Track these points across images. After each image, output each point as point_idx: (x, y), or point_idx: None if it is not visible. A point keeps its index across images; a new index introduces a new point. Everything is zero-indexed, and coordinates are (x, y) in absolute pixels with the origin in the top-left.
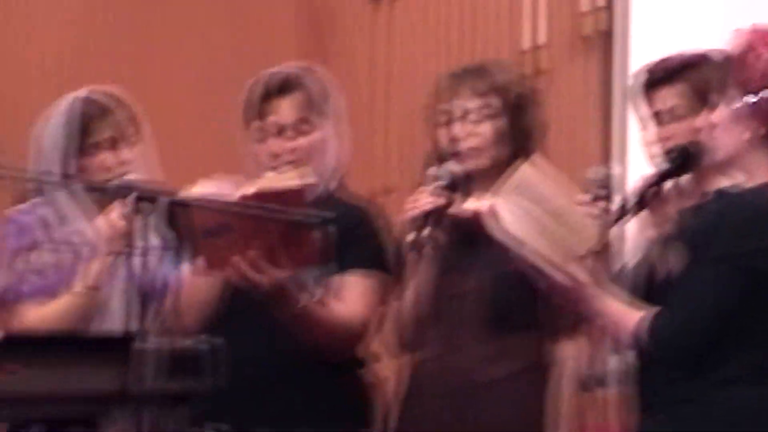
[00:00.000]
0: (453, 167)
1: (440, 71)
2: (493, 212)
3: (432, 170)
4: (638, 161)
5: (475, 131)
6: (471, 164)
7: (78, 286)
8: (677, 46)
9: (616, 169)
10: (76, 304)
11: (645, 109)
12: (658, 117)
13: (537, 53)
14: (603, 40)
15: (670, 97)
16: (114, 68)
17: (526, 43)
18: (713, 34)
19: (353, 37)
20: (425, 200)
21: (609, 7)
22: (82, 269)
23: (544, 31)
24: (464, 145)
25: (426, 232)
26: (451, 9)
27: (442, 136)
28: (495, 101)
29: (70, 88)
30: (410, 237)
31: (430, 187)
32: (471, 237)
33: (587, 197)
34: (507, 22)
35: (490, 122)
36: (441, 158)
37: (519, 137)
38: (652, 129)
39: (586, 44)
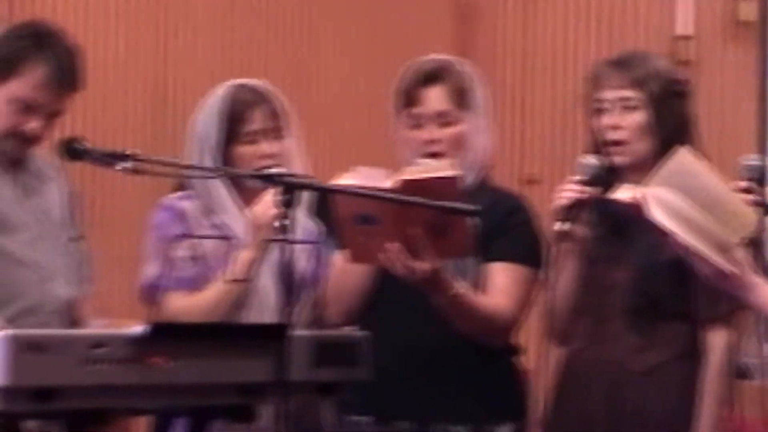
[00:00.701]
0: (594, 160)
1: (592, 59)
2: (650, 200)
3: (584, 159)
4: None
5: (620, 124)
6: (615, 157)
7: (228, 277)
8: None
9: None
10: (225, 295)
11: None
12: None
13: (689, 41)
14: (758, 27)
15: None
16: (272, 60)
17: (679, 31)
18: None
19: (505, 27)
20: (567, 192)
21: None
22: (232, 259)
23: (696, 19)
24: (609, 137)
25: (567, 225)
26: None
27: (598, 125)
28: (638, 94)
29: (227, 79)
30: (556, 227)
31: (580, 178)
32: (620, 227)
33: (745, 184)
34: (659, 10)
35: (633, 115)
36: (596, 147)
37: (665, 130)
38: None
39: (741, 32)
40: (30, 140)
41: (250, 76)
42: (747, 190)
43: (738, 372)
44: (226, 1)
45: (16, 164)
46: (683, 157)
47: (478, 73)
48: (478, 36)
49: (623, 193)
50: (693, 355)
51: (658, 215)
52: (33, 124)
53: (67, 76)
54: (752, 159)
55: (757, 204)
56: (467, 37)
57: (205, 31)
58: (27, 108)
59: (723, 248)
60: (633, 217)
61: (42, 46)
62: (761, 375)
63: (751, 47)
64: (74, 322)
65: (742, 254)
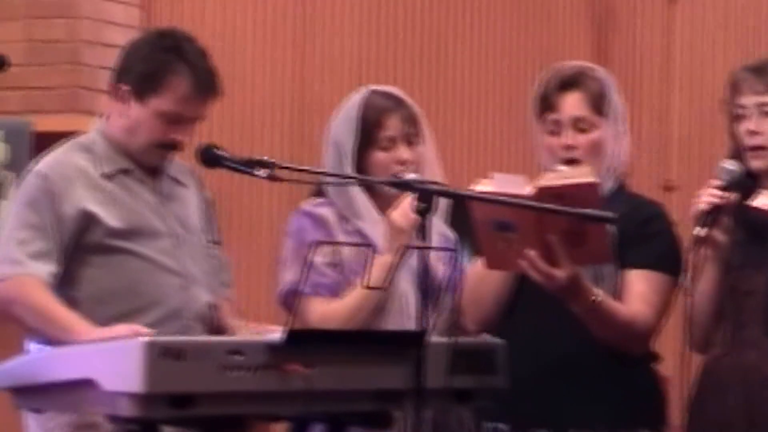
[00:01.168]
0: (733, 166)
1: (730, 68)
2: None
3: (726, 164)
4: None
5: (759, 129)
6: (754, 162)
7: (366, 283)
8: None
9: None
10: (365, 301)
11: None
12: None
13: None
14: None
15: None
16: (410, 66)
17: None
18: None
19: (643, 33)
20: (706, 198)
21: None
22: (370, 266)
23: None
24: (749, 143)
25: (706, 230)
26: (744, 3)
27: (741, 130)
28: None
29: (365, 85)
30: (697, 232)
31: (722, 183)
32: (759, 233)
33: None
34: None
35: None
36: (738, 153)
37: None
38: None
39: None
40: (175, 149)
41: (388, 83)
42: None
43: None
44: (366, 9)
45: (156, 171)
46: None
47: (615, 79)
48: (617, 42)
49: (763, 201)
50: None
51: None
52: (179, 135)
53: (207, 84)
54: None
55: None
56: (605, 43)
57: (344, 38)
58: (174, 121)
59: None
60: None
61: (182, 58)
62: None
63: None
64: (216, 328)
65: None
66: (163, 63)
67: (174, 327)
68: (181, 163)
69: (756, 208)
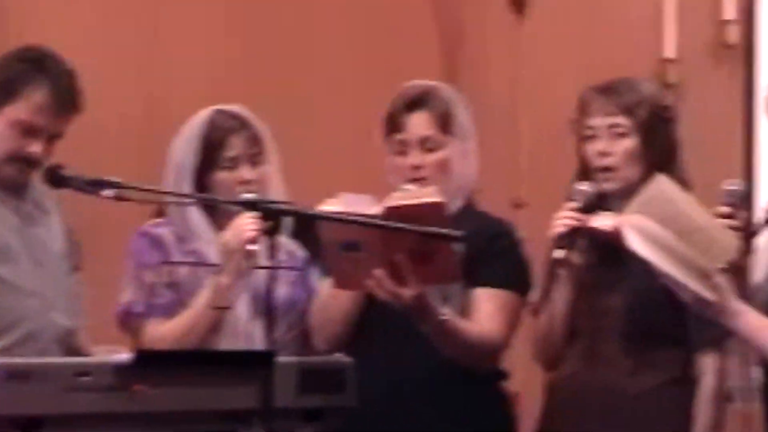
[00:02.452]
0: (587, 187)
1: (579, 84)
2: (627, 228)
3: (578, 185)
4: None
5: (609, 150)
6: (605, 183)
7: (201, 303)
8: None
9: (756, 184)
10: (199, 321)
11: None
12: None
13: (675, 64)
14: (744, 50)
15: None
16: (258, 86)
17: (666, 54)
18: None
19: (491, 52)
20: (563, 220)
21: (750, 16)
22: (208, 286)
23: (682, 42)
24: (599, 164)
25: (561, 252)
26: (592, 18)
27: (589, 151)
28: (627, 121)
29: (216, 103)
30: (555, 254)
31: (577, 204)
32: (614, 253)
33: (726, 209)
34: (646, 33)
35: (622, 141)
36: (587, 174)
37: (654, 155)
38: None
39: (726, 55)
40: (31, 164)
41: (239, 102)
42: (729, 216)
43: (735, 395)
44: (217, 26)
45: (18, 192)
46: (661, 184)
47: (463, 97)
48: (465, 61)
49: (602, 221)
50: (686, 380)
51: (635, 243)
52: (34, 148)
53: (66, 98)
54: (734, 184)
55: (739, 229)
56: (454, 62)
57: (194, 56)
58: (28, 131)
59: (703, 275)
60: (620, 245)
61: (41, 69)
62: (745, 399)
63: (737, 70)
64: (74, 351)
65: (723, 281)
66: (21, 72)
67: (32, 349)
68: (45, 188)
69: (591, 229)
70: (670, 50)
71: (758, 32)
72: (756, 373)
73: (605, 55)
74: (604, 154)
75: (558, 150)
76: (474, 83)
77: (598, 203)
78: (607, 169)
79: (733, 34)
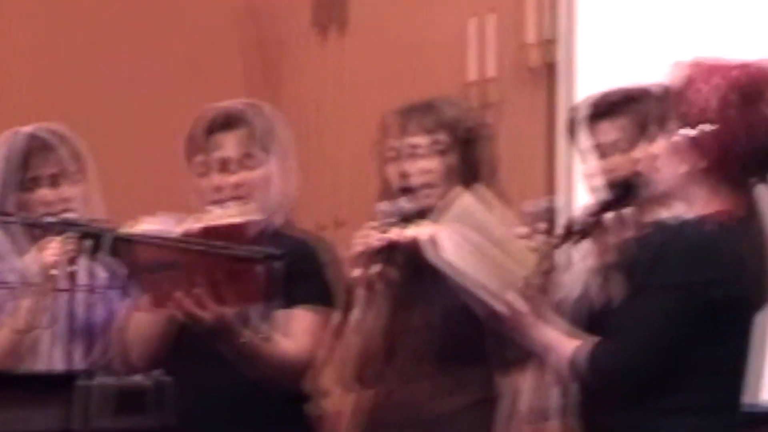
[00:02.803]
0: (404, 204)
1: (388, 104)
2: (432, 240)
3: (382, 206)
4: (582, 194)
5: (426, 168)
6: (423, 201)
7: (7, 325)
8: (620, 79)
9: (559, 202)
10: (3, 344)
11: (587, 142)
12: (601, 150)
13: (484, 86)
14: (549, 72)
15: (612, 130)
16: (66, 104)
17: (472, 76)
18: (656, 67)
19: (302, 69)
20: (375, 237)
21: (555, 39)
22: (12, 308)
23: (491, 64)
24: (415, 182)
25: (376, 268)
26: (399, 41)
27: (392, 172)
28: (444, 137)
29: (31, 120)
30: (357, 273)
31: (380, 224)
32: (422, 271)
33: (526, 230)
34: (453, 55)
35: (439, 158)
36: (391, 194)
37: (469, 172)
38: (594, 161)
39: (533, 76)
40: None
41: (60, 119)
42: (531, 234)
43: (538, 414)
44: (38, 44)
45: None
46: (463, 199)
47: (277, 116)
48: (281, 80)
49: (400, 233)
50: (491, 400)
51: (434, 257)
52: None
53: None
54: (536, 204)
55: (541, 247)
56: (269, 81)
57: (9, 75)
58: None
59: (501, 288)
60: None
61: None
62: (558, 417)
63: (540, 92)
64: None
65: (518, 297)
66: None
67: None
68: None
69: (395, 242)
70: (474, 72)
71: (561, 54)
72: (557, 391)
73: (412, 76)
74: (405, 174)
75: (372, 170)
76: (289, 105)
77: (409, 221)
78: (408, 189)
79: (537, 57)
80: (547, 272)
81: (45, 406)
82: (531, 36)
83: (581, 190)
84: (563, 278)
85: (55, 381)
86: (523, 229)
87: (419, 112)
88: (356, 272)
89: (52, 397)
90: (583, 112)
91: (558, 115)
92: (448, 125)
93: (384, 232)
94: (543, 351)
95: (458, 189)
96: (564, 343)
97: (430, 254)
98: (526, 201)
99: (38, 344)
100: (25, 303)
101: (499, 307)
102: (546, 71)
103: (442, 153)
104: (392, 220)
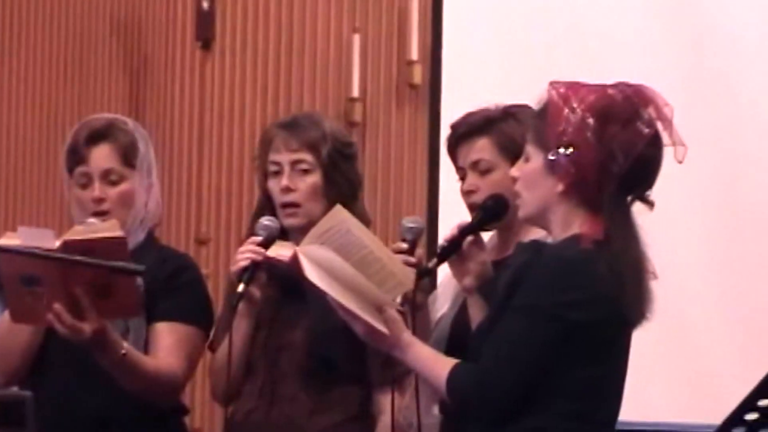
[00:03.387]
0: (268, 222)
1: (266, 120)
2: (303, 257)
3: (260, 221)
4: (450, 213)
5: (291, 186)
6: (288, 219)
7: None
8: (490, 98)
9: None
10: None
11: (455, 163)
12: (463, 171)
13: (361, 103)
14: (428, 90)
15: (473, 151)
16: None
17: (352, 93)
18: (526, 87)
19: (177, 87)
20: (241, 255)
21: (435, 58)
22: None
23: (368, 81)
24: (281, 200)
25: (240, 287)
26: (279, 57)
27: (270, 187)
28: (308, 157)
29: None
30: (232, 289)
31: (249, 241)
32: (296, 288)
33: (404, 245)
34: (334, 72)
35: (305, 177)
36: (269, 209)
37: (336, 191)
38: (461, 182)
39: (411, 94)
40: None
41: None
42: (407, 251)
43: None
44: None
45: None
46: (338, 215)
47: (148, 131)
48: (152, 96)
49: (280, 251)
50: (365, 417)
51: (310, 273)
52: None
53: None
54: (413, 221)
55: (415, 265)
56: (141, 95)
57: None
58: None
59: (377, 306)
60: (296, 275)
61: None
62: None
63: (422, 110)
64: None
65: (395, 314)
66: None
67: None
68: None
69: (270, 258)
70: (355, 89)
71: (442, 72)
72: (434, 409)
73: (293, 92)
74: (288, 189)
75: (239, 186)
76: (160, 117)
77: (282, 238)
78: (290, 204)
79: (417, 75)
80: (419, 290)
81: None
82: (413, 53)
83: (448, 210)
84: (433, 298)
85: None
86: (403, 245)
87: (286, 130)
88: (233, 288)
89: None
90: (448, 134)
91: (440, 133)
92: (312, 145)
93: (250, 251)
94: (416, 370)
95: (337, 206)
96: (437, 363)
97: (307, 272)
98: (405, 217)
99: None
100: None
101: (373, 325)
102: (428, 89)
103: (306, 173)
104: (268, 235)
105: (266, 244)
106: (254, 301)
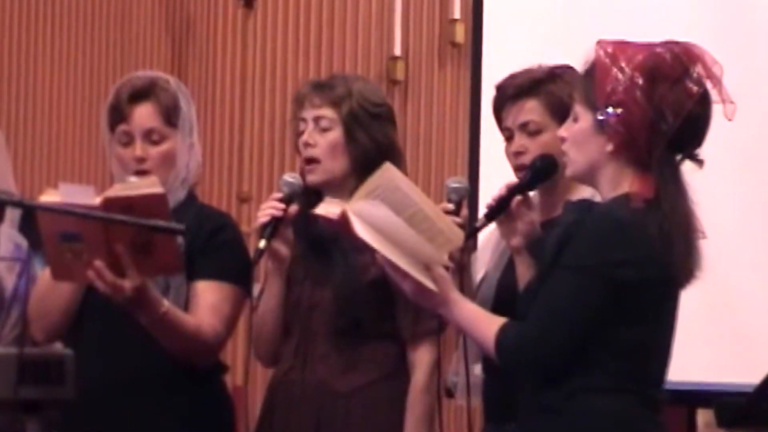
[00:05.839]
0: (290, 179)
1: (307, 79)
2: (351, 214)
3: (283, 177)
4: (491, 172)
5: (311, 141)
6: (308, 175)
7: None
8: (532, 58)
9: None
10: None
11: (502, 124)
12: (510, 131)
13: (403, 62)
14: (470, 49)
15: (522, 113)
16: None
17: (394, 51)
18: (568, 46)
19: (219, 45)
20: (261, 212)
21: (476, 16)
22: None
23: (410, 40)
24: (303, 155)
25: (262, 244)
26: (321, 15)
27: (299, 143)
28: (330, 113)
29: None
30: (259, 246)
31: (271, 198)
32: (323, 246)
33: (450, 206)
34: (375, 30)
35: (325, 134)
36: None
37: (358, 150)
38: (506, 143)
39: (454, 53)
40: None
41: None
42: (453, 212)
43: (453, 390)
44: None
45: None
46: (388, 172)
47: (190, 89)
48: (194, 53)
49: (329, 208)
50: (400, 375)
51: (361, 231)
52: None
53: None
54: (457, 181)
55: (462, 226)
56: (183, 53)
57: None
58: None
59: (425, 264)
60: (337, 234)
61: None
62: (463, 394)
63: (464, 69)
64: None
65: (444, 272)
66: None
67: None
68: None
69: (319, 216)
70: (397, 48)
71: (484, 31)
72: (477, 368)
73: (335, 51)
74: (307, 144)
75: (282, 145)
76: (202, 76)
77: (306, 194)
78: (310, 160)
79: (460, 33)
80: (467, 249)
81: None
82: (455, 12)
83: (493, 171)
84: (484, 258)
85: None
86: (449, 205)
87: (315, 88)
88: (259, 244)
89: None
90: (494, 95)
91: (482, 92)
92: (336, 102)
93: (272, 207)
94: (463, 328)
95: (386, 164)
96: (484, 322)
97: (356, 229)
98: (450, 178)
99: None
100: None
101: (424, 282)
102: (470, 48)
103: (327, 130)
104: (290, 191)
105: (288, 200)
106: (281, 258)
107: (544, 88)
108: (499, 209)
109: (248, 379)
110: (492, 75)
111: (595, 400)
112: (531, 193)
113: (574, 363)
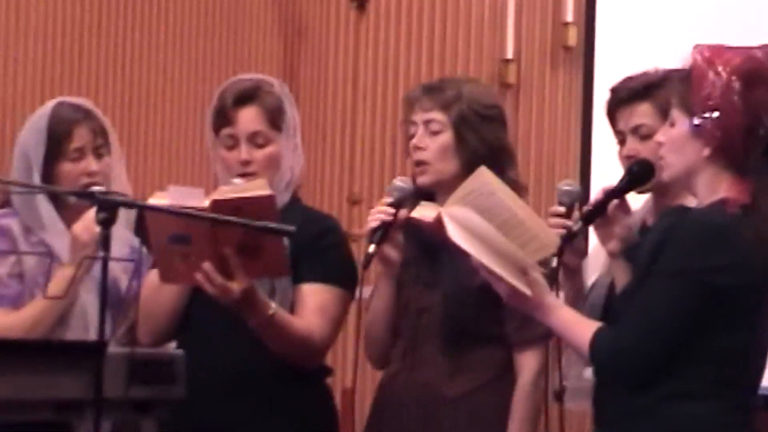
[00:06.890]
0: (400, 183)
1: (419, 81)
2: (447, 219)
3: (394, 182)
4: (603, 175)
5: (420, 145)
6: (419, 178)
7: (48, 294)
8: (644, 61)
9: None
10: (46, 312)
11: (615, 127)
12: (622, 134)
13: (515, 64)
14: (583, 52)
15: (635, 116)
16: (102, 79)
17: (507, 54)
18: (680, 49)
19: (332, 48)
20: (371, 217)
21: (589, 19)
22: (52, 277)
23: (522, 43)
24: (413, 158)
25: (372, 248)
26: (433, 18)
27: (409, 146)
28: (439, 116)
29: (54, 96)
30: (368, 250)
31: (382, 202)
32: (431, 250)
33: (561, 209)
34: (487, 33)
35: (435, 137)
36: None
37: (468, 152)
38: (619, 146)
39: (565, 56)
40: None
41: (74, 89)
42: (564, 215)
43: (561, 394)
44: (49, 12)
45: None
46: (482, 176)
47: (289, 92)
48: (306, 56)
49: (424, 212)
50: (506, 379)
51: (455, 235)
52: None
53: None
54: (569, 184)
55: (566, 228)
56: (295, 55)
57: (28, 43)
58: None
59: (520, 269)
60: (437, 237)
61: None
62: (572, 399)
63: (576, 72)
64: None
65: (540, 276)
66: None
67: None
68: None
69: (413, 219)
70: (509, 51)
71: (596, 35)
72: (587, 372)
73: (447, 53)
74: (416, 148)
75: (394, 147)
76: (314, 78)
77: (416, 198)
78: (420, 163)
79: (572, 36)
80: (579, 254)
81: (71, 373)
82: (568, 15)
83: (603, 174)
84: (585, 263)
85: (82, 350)
86: (560, 209)
87: (425, 91)
88: (369, 248)
89: (79, 365)
90: (607, 98)
91: (593, 96)
92: (446, 106)
93: (382, 212)
94: (560, 333)
95: (481, 168)
96: (581, 326)
97: (451, 233)
98: (562, 180)
99: (83, 313)
100: (63, 273)
101: (520, 287)
102: (582, 51)
103: (437, 133)
104: (400, 195)
105: (398, 204)
106: (391, 263)
107: (658, 92)
108: (596, 213)
109: (356, 381)
110: (604, 78)
111: (687, 405)
112: (644, 197)
113: (669, 368)
